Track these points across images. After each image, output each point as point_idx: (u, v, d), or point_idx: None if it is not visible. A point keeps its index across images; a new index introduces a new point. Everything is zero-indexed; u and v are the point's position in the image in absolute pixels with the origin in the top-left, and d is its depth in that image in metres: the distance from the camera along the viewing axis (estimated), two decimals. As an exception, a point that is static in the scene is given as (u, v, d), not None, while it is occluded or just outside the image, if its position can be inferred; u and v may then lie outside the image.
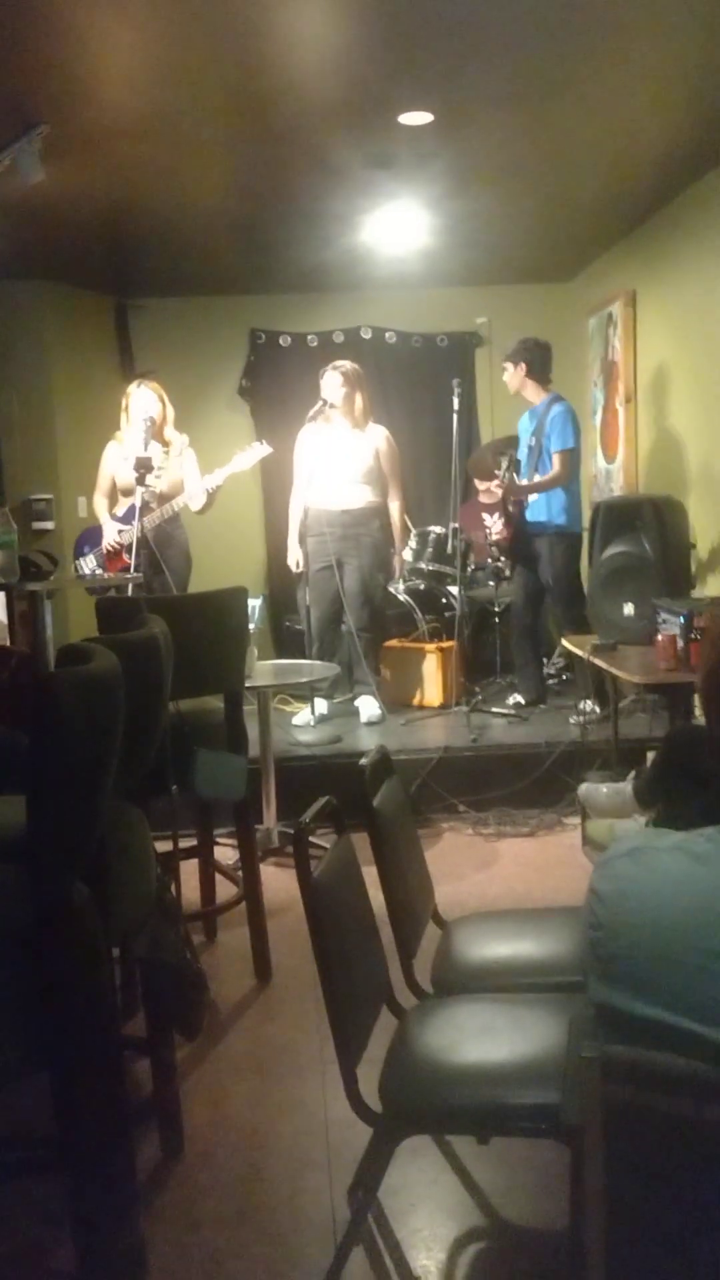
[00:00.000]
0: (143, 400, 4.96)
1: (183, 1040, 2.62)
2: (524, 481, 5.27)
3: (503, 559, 5.46)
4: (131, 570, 4.58)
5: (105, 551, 5.08)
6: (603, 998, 1.48)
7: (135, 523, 4.65)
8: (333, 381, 5.20)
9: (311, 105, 3.91)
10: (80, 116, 3.89)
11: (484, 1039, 1.88)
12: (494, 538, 5.42)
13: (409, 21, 3.29)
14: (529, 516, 5.34)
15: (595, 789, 3.82)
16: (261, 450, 4.92)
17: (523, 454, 5.45)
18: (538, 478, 5.28)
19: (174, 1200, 2.26)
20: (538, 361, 5.33)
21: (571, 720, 5.04)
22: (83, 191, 4.72)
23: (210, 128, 4.12)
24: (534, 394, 5.39)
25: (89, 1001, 1.75)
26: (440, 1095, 1.80)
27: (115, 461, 5.11)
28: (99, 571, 5.08)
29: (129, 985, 2.90)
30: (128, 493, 5.00)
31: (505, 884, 3.98)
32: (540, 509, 5.31)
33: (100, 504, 5.20)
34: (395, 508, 5.38)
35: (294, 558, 5.39)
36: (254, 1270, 2.05)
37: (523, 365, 5.33)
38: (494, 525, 5.39)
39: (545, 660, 5.83)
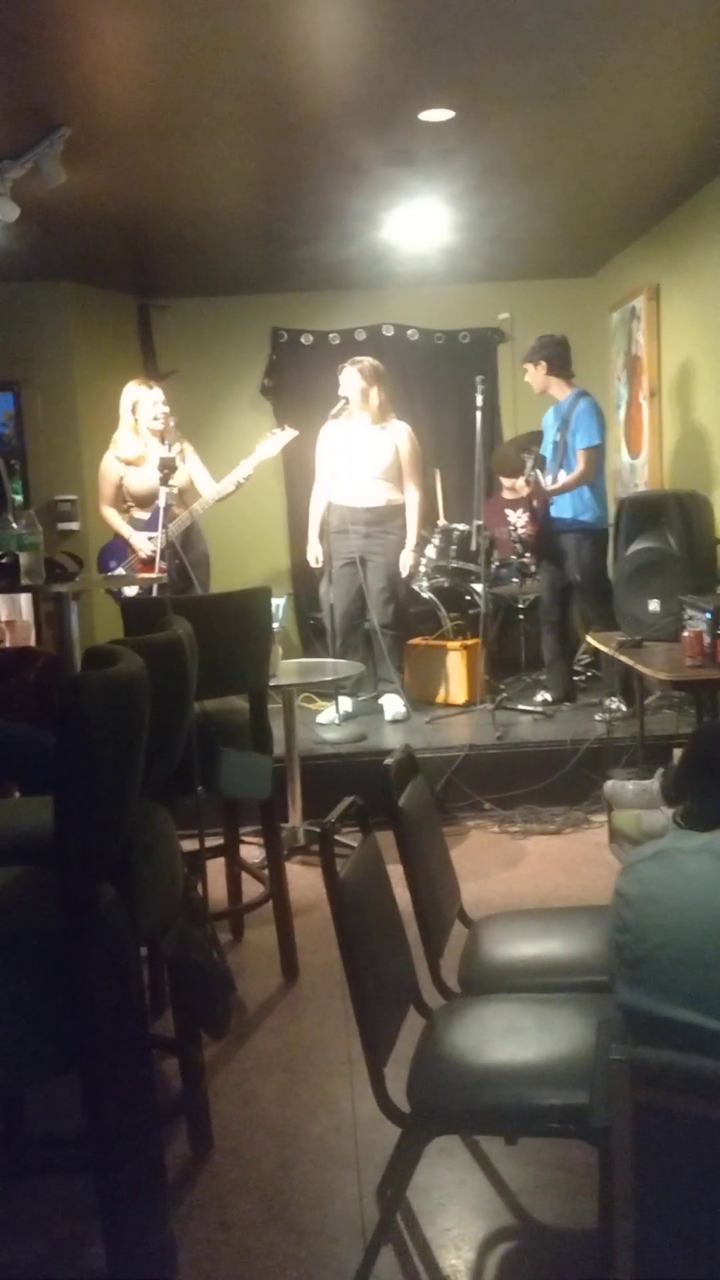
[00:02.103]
0: (152, 401, 4.96)
1: (210, 1039, 2.63)
2: (551, 484, 5.25)
3: (527, 555, 5.43)
4: (157, 575, 4.56)
5: (135, 564, 5.06)
6: (630, 1000, 1.48)
7: (161, 528, 4.63)
8: (351, 378, 5.20)
9: (332, 103, 3.90)
10: (101, 119, 3.91)
11: (512, 1039, 1.88)
12: (518, 533, 5.40)
13: (429, 19, 3.28)
14: (554, 513, 5.31)
15: (621, 786, 3.81)
16: (286, 435, 4.91)
17: (548, 450, 5.43)
18: (563, 474, 5.25)
19: (203, 1199, 2.27)
20: (557, 358, 5.30)
21: (597, 717, 5.02)
22: (104, 193, 4.74)
23: (230, 127, 4.13)
24: (559, 390, 5.36)
25: (118, 1001, 1.76)
26: (468, 1095, 1.80)
27: (118, 468, 5.08)
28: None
29: (156, 984, 2.92)
30: (139, 498, 4.99)
31: (531, 882, 3.97)
32: (566, 505, 5.29)
33: (111, 515, 5.16)
34: (412, 503, 5.35)
35: (314, 554, 5.39)
36: (284, 1269, 2.05)
37: (543, 364, 5.31)
38: (518, 521, 5.36)
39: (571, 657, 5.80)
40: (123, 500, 5.14)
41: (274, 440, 4.92)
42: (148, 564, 4.99)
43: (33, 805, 2.35)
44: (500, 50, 3.52)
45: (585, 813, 4.58)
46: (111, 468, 5.12)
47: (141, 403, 4.99)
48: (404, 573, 5.38)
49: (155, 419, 4.95)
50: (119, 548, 5.17)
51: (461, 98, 3.90)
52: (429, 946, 2.14)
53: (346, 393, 5.18)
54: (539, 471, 5.23)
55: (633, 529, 4.47)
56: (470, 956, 2.22)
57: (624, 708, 4.96)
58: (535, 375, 5.36)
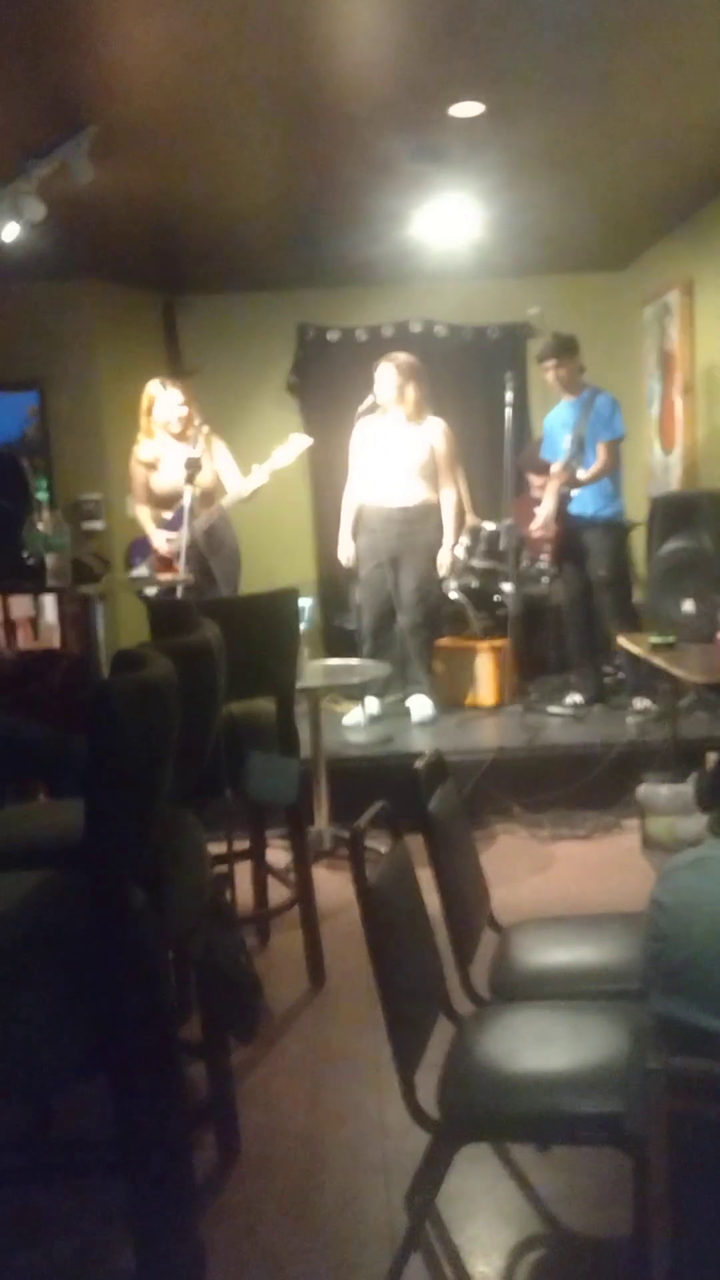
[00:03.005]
0: (169, 402, 4.92)
1: (238, 1044, 2.62)
2: (582, 474, 5.17)
3: (543, 556, 5.37)
4: (184, 576, 4.55)
5: (155, 561, 5.06)
6: (665, 1009, 1.45)
7: (184, 527, 4.62)
8: (386, 374, 5.15)
9: (361, 99, 3.88)
10: (128, 116, 3.90)
11: (543, 1046, 1.86)
12: (536, 534, 5.34)
13: (459, 13, 3.26)
14: (573, 510, 5.24)
15: (655, 791, 3.77)
16: (302, 442, 4.85)
17: (559, 449, 5.33)
18: (581, 471, 5.17)
19: (231, 1203, 2.26)
20: (577, 352, 5.24)
21: (628, 719, 4.97)
22: (131, 190, 4.74)
23: (257, 124, 4.11)
24: (576, 387, 5.29)
25: (147, 1005, 1.75)
26: (500, 1103, 1.79)
27: (143, 472, 5.06)
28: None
29: (183, 988, 2.91)
30: (167, 497, 4.98)
31: (562, 888, 3.94)
32: (587, 501, 5.21)
33: (143, 513, 5.15)
34: (449, 501, 5.30)
35: (345, 552, 5.36)
36: (312, 1275, 2.04)
37: (571, 360, 5.21)
38: (539, 519, 5.31)
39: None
40: (154, 500, 5.14)
41: (289, 448, 4.81)
42: (166, 563, 4.99)
43: (61, 809, 2.35)
44: (531, 44, 3.48)
45: (616, 817, 4.53)
46: (136, 470, 5.12)
47: (158, 402, 4.94)
48: (442, 572, 5.32)
49: (171, 420, 4.90)
50: (145, 545, 5.18)
51: (492, 92, 3.86)
52: (459, 953, 2.12)
53: (382, 389, 5.12)
54: (577, 464, 5.13)
55: (666, 528, 4.42)
56: (501, 963, 2.20)
57: (653, 708, 4.90)
58: (564, 372, 5.25)
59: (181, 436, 4.89)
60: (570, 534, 5.25)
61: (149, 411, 4.96)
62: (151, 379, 5.08)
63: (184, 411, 4.91)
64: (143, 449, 5.03)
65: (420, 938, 1.97)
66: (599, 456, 5.12)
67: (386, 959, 1.74)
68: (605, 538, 5.21)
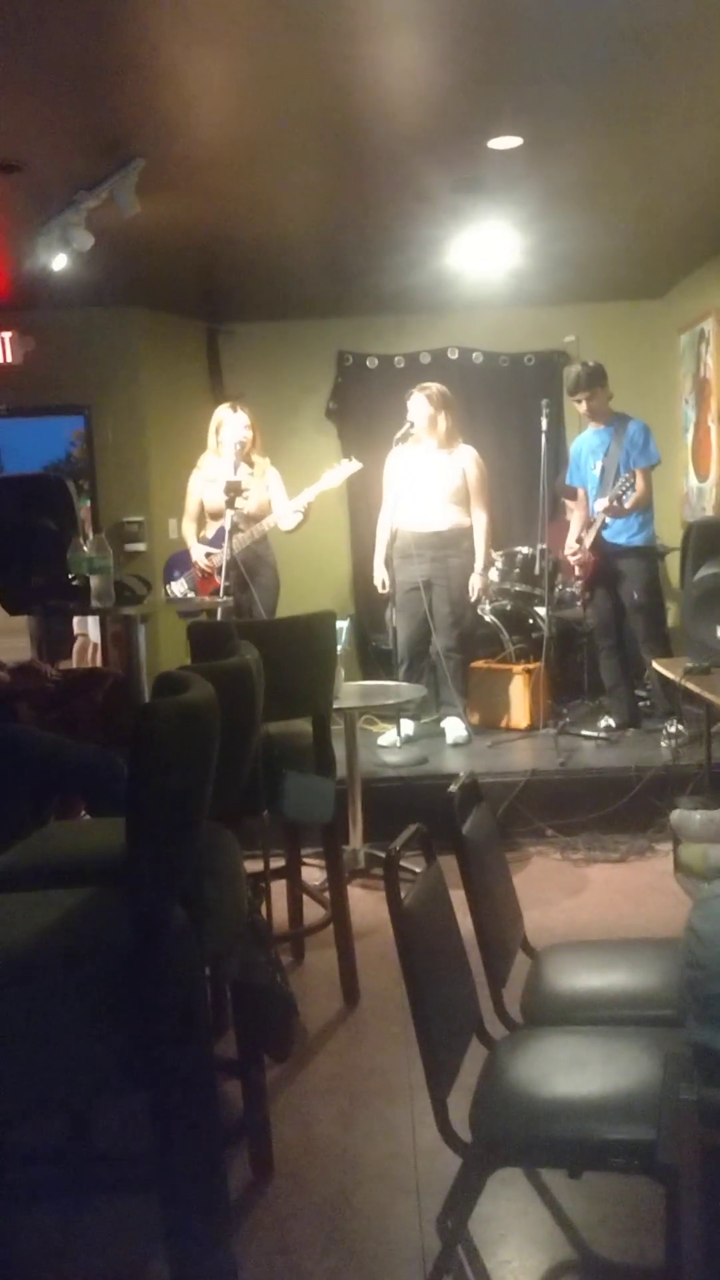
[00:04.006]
0: (236, 424, 5.05)
1: (272, 1062, 2.64)
2: (623, 503, 5.16)
3: (576, 584, 5.39)
4: (221, 592, 4.64)
5: (196, 575, 5.16)
6: (701, 1038, 1.46)
7: (225, 545, 4.71)
8: (419, 404, 5.23)
9: (401, 134, 3.95)
10: (174, 151, 3.99)
11: (576, 1072, 1.86)
12: (572, 559, 5.36)
13: (498, 49, 3.31)
14: (608, 536, 5.25)
15: (689, 816, 3.76)
16: (350, 467, 4.97)
17: (586, 475, 5.34)
18: (624, 496, 5.17)
19: (264, 1222, 2.27)
20: (606, 380, 5.26)
21: (662, 744, 4.95)
22: (177, 222, 4.84)
23: (300, 157, 4.19)
24: (606, 414, 5.30)
25: (186, 1023, 1.78)
26: (532, 1129, 1.79)
27: (201, 485, 5.20)
28: (190, 594, 5.17)
29: (219, 1006, 2.94)
30: (216, 516, 5.09)
31: (595, 911, 3.93)
32: (620, 528, 5.23)
33: (189, 529, 5.29)
34: (480, 526, 5.35)
35: (380, 578, 5.41)
36: (343, 1296, 2.05)
37: (601, 389, 5.23)
38: (573, 547, 5.33)
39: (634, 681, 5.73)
40: (204, 517, 5.23)
41: (338, 471, 4.96)
42: (206, 577, 5.08)
43: (103, 827, 2.39)
44: (568, 78, 3.54)
45: (650, 841, 4.52)
46: (193, 485, 5.24)
47: (225, 424, 5.10)
48: (473, 596, 5.37)
49: (235, 442, 5.02)
50: (184, 559, 5.28)
51: (530, 125, 3.92)
52: (492, 976, 2.13)
53: (414, 418, 5.21)
54: (621, 496, 5.13)
55: (700, 554, 4.41)
56: (534, 987, 2.20)
57: (685, 733, 4.89)
58: (598, 399, 5.25)
59: (244, 458, 5.01)
60: (604, 560, 5.27)
61: (217, 431, 5.12)
62: (205, 404, 5.24)
63: (248, 435, 5.03)
64: (207, 465, 5.18)
65: (454, 961, 1.98)
66: (637, 484, 5.13)
67: (420, 982, 1.76)
68: (639, 563, 5.22)
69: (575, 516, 5.51)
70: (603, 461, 5.25)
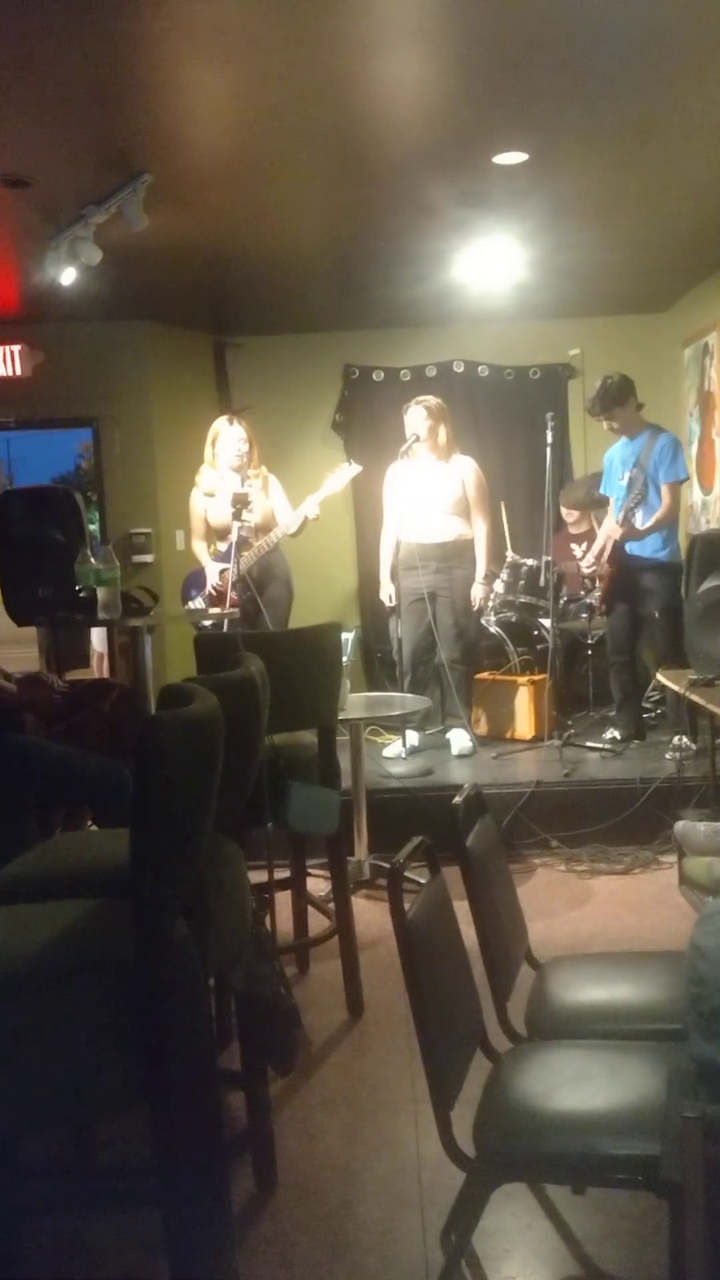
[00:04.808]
0: (232, 437, 5.06)
1: (276, 1074, 2.64)
2: (623, 520, 5.14)
3: (594, 594, 5.37)
4: (226, 605, 4.65)
5: (211, 595, 5.17)
6: (705, 1054, 1.46)
7: (233, 560, 4.72)
8: (417, 416, 5.26)
9: (408, 149, 3.98)
10: (182, 166, 4.03)
11: (580, 1086, 1.85)
12: (588, 571, 5.35)
13: (503, 64, 3.34)
14: (631, 550, 5.23)
15: (693, 828, 3.75)
16: (351, 470, 4.99)
17: (618, 488, 5.34)
18: (639, 513, 5.13)
19: (267, 1235, 2.27)
20: (631, 395, 5.22)
21: (667, 756, 4.95)
22: (184, 236, 4.88)
23: (306, 172, 4.22)
24: (633, 426, 5.26)
25: (189, 1035, 1.78)
26: (536, 1142, 1.78)
27: (204, 502, 5.19)
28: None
29: (223, 1017, 2.94)
30: (222, 531, 5.09)
31: (599, 923, 3.92)
32: (645, 542, 5.18)
33: (200, 548, 5.28)
34: (481, 536, 5.36)
35: (387, 592, 5.42)
36: (346, 1310, 2.05)
37: (629, 403, 5.15)
38: (586, 559, 5.32)
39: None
40: (212, 534, 5.24)
41: (339, 475, 4.99)
42: (221, 596, 5.08)
43: (109, 838, 2.40)
44: (573, 93, 3.56)
45: (655, 853, 4.52)
46: (196, 503, 5.25)
47: (222, 437, 5.11)
48: (475, 606, 5.39)
49: (232, 455, 5.04)
50: (200, 578, 5.29)
51: (535, 140, 3.94)
52: (496, 988, 2.12)
53: (414, 431, 5.23)
54: (635, 516, 5.10)
55: (705, 566, 4.42)
56: (538, 1000, 2.20)
57: (693, 745, 4.88)
58: (620, 421, 5.17)
59: (240, 471, 5.02)
60: (626, 573, 5.24)
61: (213, 443, 5.13)
62: (204, 416, 5.24)
63: (245, 448, 5.06)
64: (204, 479, 5.19)
65: (457, 973, 1.98)
66: (663, 499, 5.10)
67: (423, 994, 1.75)
68: (662, 578, 5.17)
69: (604, 528, 5.44)
70: (631, 473, 5.15)
